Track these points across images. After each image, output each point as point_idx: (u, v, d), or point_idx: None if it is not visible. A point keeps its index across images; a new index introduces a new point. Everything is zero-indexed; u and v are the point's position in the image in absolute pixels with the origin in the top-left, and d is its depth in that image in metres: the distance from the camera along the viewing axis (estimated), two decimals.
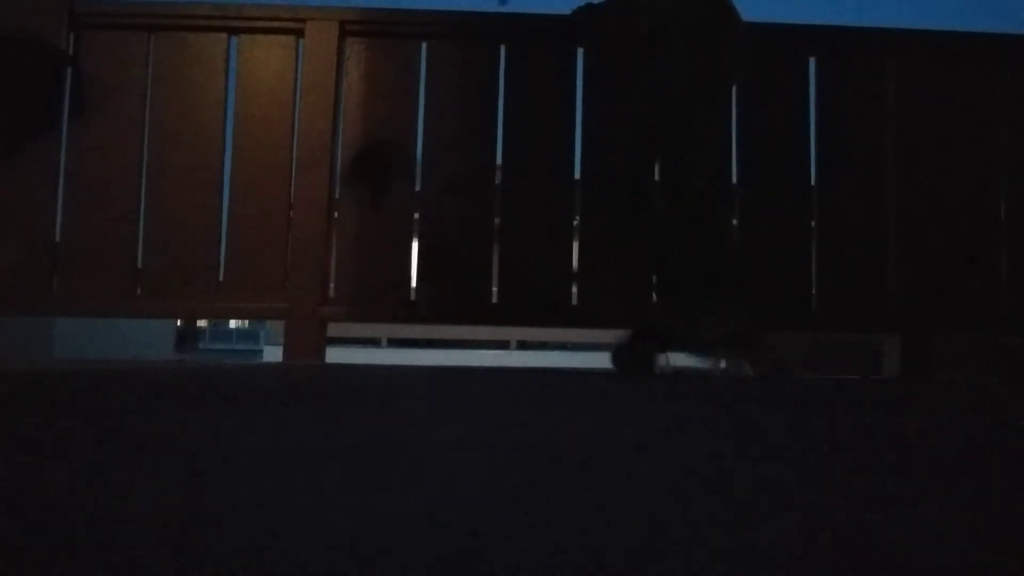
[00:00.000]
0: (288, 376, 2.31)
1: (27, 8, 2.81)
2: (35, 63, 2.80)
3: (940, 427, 1.40)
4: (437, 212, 2.83)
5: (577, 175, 2.84)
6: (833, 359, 4.33)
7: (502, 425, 1.22)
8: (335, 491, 0.71)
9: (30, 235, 2.74)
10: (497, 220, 2.85)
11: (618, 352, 2.59)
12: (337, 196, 2.81)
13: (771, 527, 0.63)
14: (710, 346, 2.50)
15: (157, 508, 0.64)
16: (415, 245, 2.83)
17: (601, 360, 2.70)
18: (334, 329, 2.95)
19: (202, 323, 38.49)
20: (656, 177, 2.67)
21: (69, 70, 2.80)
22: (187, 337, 30.32)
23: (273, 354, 8.37)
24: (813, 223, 2.86)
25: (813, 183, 2.87)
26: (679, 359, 2.62)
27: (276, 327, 8.06)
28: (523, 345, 10.45)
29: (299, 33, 2.84)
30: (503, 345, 10.29)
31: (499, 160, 2.86)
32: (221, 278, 2.76)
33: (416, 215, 2.83)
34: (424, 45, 2.87)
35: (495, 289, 2.84)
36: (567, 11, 2.81)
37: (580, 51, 2.85)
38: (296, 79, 2.82)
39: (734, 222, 2.82)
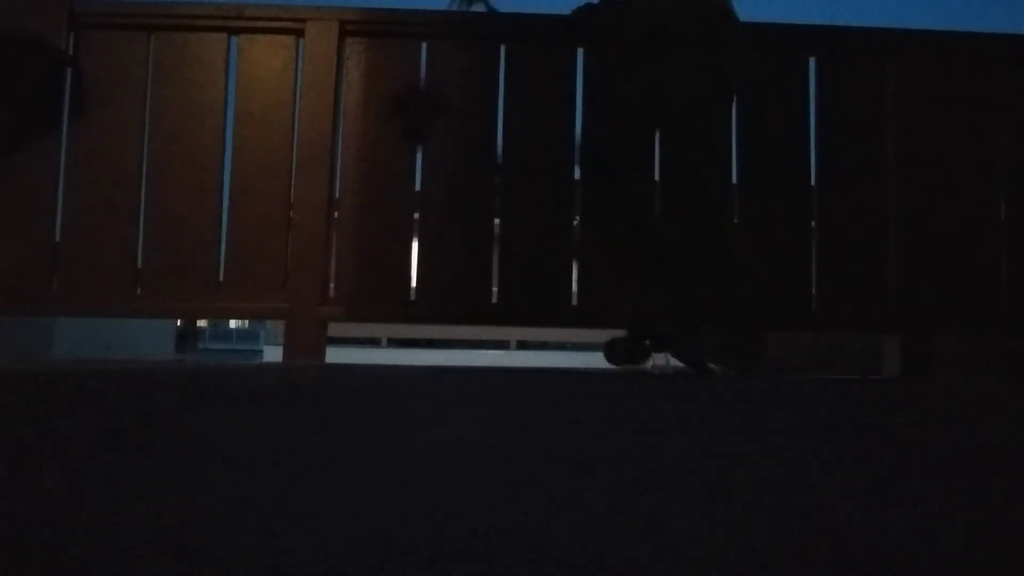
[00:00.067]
0: (288, 376, 2.31)
1: (27, 8, 2.82)
2: (35, 63, 2.80)
3: (940, 427, 1.40)
4: (437, 212, 2.83)
5: (577, 175, 2.84)
6: (833, 359, 4.32)
7: (502, 425, 1.22)
8: (335, 491, 0.71)
9: (30, 235, 2.74)
10: (497, 220, 2.85)
11: (612, 344, 2.60)
12: (337, 196, 2.82)
13: (771, 527, 0.63)
14: (707, 352, 2.51)
15: (157, 508, 0.64)
16: (415, 245, 2.84)
17: (601, 360, 2.70)
18: (334, 329, 2.95)
19: (202, 323, 38.53)
20: (656, 177, 2.69)
21: (69, 70, 2.80)
22: (187, 337, 30.34)
23: (273, 354, 8.38)
24: (813, 223, 2.87)
25: (813, 183, 2.87)
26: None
27: (276, 327, 8.07)
28: (523, 345, 10.45)
29: (299, 33, 2.84)
30: (503, 345, 10.29)
31: (499, 160, 2.86)
32: (221, 278, 2.76)
33: (416, 215, 2.84)
34: (424, 45, 2.87)
35: (495, 289, 2.84)
36: (567, 11, 2.81)
37: (580, 51, 2.86)
38: (296, 79, 2.82)
39: (735, 221, 2.83)
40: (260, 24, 2.85)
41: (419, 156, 2.84)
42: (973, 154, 2.89)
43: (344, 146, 2.82)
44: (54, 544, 0.53)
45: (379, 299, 2.80)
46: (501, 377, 2.40)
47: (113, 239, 2.74)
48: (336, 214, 2.81)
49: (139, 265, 2.75)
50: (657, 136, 2.64)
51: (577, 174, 2.80)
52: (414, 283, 2.81)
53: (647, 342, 2.64)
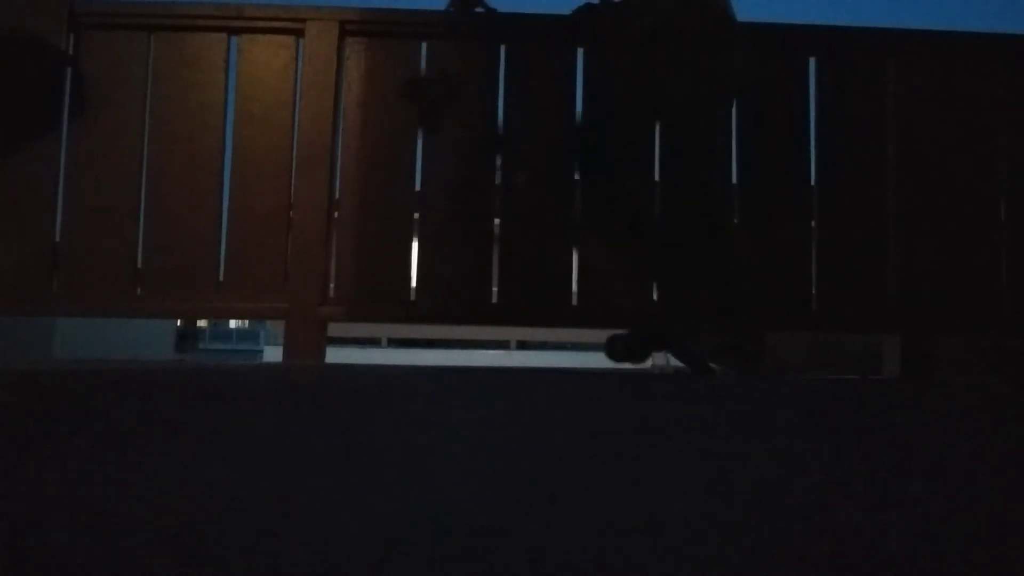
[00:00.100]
0: (288, 376, 2.31)
1: (27, 8, 2.81)
2: (35, 63, 2.80)
3: (940, 427, 1.40)
4: (437, 212, 2.83)
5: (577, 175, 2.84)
6: (833, 359, 4.32)
7: (502, 425, 1.22)
8: (335, 491, 0.71)
9: (30, 235, 2.74)
10: (497, 220, 2.85)
11: (612, 341, 2.60)
12: (337, 196, 2.82)
13: (771, 527, 0.63)
14: (707, 352, 2.51)
15: (157, 508, 0.64)
16: (415, 245, 2.83)
17: (601, 360, 2.70)
18: (334, 329, 2.95)
19: (202, 323, 38.52)
20: (655, 177, 2.69)
21: (69, 70, 2.80)
22: (187, 337, 30.35)
23: (273, 354, 8.37)
24: (813, 223, 2.87)
25: (813, 183, 2.87)
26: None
27: (276, 327, 8.06)
28: (523, 345, 10.45)
29: (299, 33, 2.84)
30: (503, 345, 10.29)
31: (498, 160, 2.86)
32: (221, 278, 2.76)
33: (416, 215, 2.84)
34: (424, 45, 2.87)
35: (495, 289, 2.84)
36: (567, 11, 2.81)
37: (580, 51, 2.86)
38: (296, 79, 2.82)
39: (735, 221, 2.83)
40: (260, 24, 2.84)
41: (419, 156, 2.84)
42: (973, 154, 2.88)
43: (344, 146, 2.82)
44: (54, 544, 0.53)
45: (379, 299, 2.80)
46: (501, 377, 2.40)
47: (113, 239, 2.74)
48: (336, 214, 2.81)
49: (139, 265, 2.74)
50: (657, 136, 2.64)
51: (577, 177, 2.80)
52: (414, 283, 2.81)
53: (647, 340, 2.64)
